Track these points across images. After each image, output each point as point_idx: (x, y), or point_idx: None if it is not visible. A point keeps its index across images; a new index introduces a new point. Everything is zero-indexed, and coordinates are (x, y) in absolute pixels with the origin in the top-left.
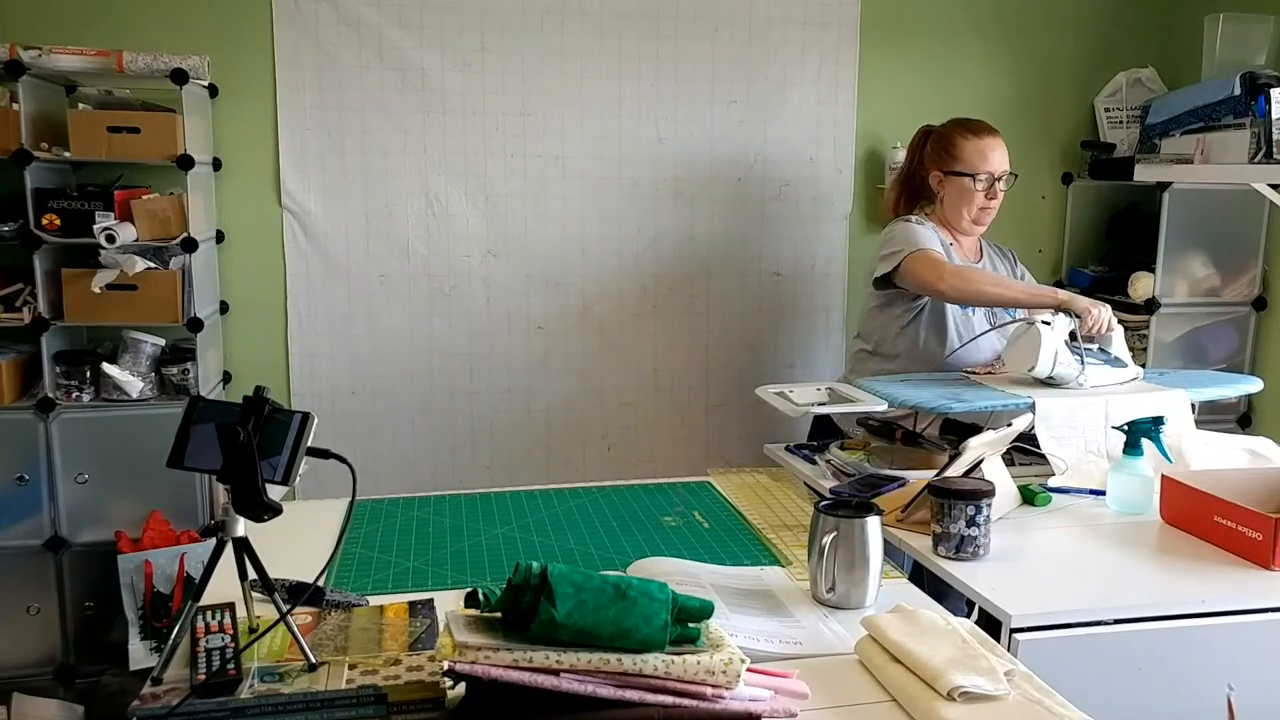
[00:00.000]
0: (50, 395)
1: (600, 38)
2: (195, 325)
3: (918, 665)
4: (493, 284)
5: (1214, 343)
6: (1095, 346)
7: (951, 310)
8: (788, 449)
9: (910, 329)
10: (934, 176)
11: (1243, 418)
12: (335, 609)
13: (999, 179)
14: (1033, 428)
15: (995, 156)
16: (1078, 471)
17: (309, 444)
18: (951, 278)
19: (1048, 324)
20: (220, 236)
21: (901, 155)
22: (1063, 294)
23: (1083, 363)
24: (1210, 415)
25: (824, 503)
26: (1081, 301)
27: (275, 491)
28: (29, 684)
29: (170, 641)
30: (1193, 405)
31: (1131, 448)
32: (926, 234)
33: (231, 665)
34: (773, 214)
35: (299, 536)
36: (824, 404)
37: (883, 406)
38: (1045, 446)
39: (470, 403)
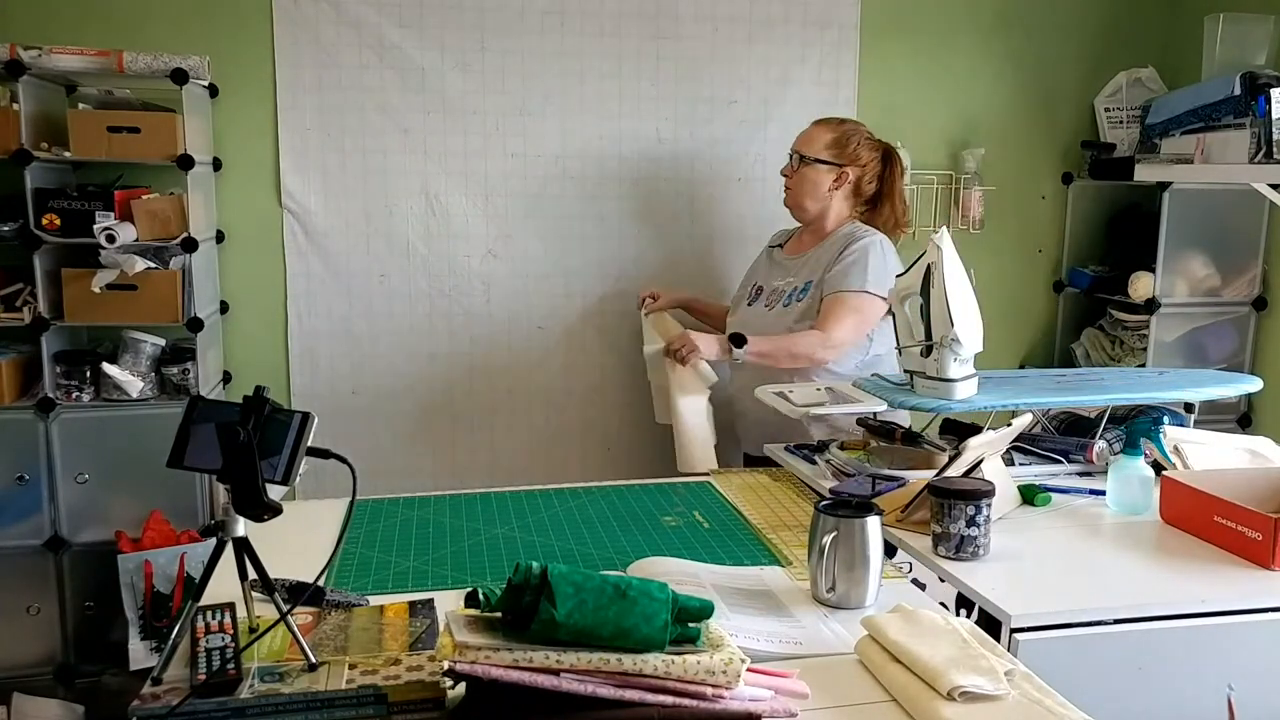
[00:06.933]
0: (50, 395)
1: (600, 38)
2: (195, 325)
3: (918, 665)
4: (493, 284)
5: (1214, 342)
6: None
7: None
8: (788, 449)
9: (879, 341)
10: None
11: (1243, 418)
12: (335, 609)
13: (791, 158)
14: (1033, 428)
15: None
16: None
17: (309, 444)
18: None
19: None
20: (220, 236)
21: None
22: None
23: None
24: (1210, 415)
25: (824, 503)
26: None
27: (275, 491)
28: (29, 684)
29: (170, 641)
30: (1193, 405)
31: (1131, 448)
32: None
33: (231, 665)
34: (772, 214)
35: (299, 536)
36: (824, 404)
37: (883, 406)
38: None
39: (470, 403)
